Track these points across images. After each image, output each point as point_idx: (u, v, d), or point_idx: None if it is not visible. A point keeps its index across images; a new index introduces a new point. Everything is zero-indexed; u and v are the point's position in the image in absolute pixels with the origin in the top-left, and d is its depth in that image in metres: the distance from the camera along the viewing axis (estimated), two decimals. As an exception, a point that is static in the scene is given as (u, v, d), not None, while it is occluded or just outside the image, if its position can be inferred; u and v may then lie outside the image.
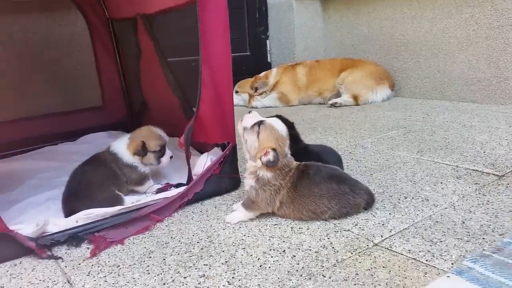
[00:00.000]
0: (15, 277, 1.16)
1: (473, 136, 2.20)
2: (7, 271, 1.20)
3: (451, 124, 2.48)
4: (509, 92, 2.86)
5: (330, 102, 3.42)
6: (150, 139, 1.68)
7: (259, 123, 1.39)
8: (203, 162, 1.64)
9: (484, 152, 1.92)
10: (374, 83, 3.41)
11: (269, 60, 4.36)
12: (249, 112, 1.45)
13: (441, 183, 1.60)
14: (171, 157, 1.76)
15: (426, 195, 1.50)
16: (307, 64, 3.74)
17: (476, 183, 1.58)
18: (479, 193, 1.49)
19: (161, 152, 1.71)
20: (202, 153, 1.75)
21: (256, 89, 3.70)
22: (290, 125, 1.82)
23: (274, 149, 1.34)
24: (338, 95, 3.50)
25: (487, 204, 1.39)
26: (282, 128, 1.41)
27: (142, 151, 1.66)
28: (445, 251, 1.12)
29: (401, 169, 1.79)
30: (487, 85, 2.98)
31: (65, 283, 1.11)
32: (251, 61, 4.24)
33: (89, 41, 2.69)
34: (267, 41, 4.33)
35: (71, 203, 1.46)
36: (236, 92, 3.80)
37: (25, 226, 1.31)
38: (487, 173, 1.67)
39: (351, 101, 3.37)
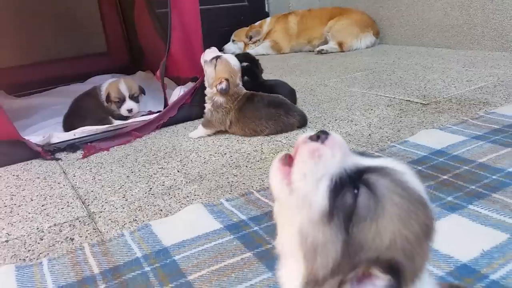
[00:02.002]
0: (26, 170, 1.59)
1: (425, 75, 2.48)
2: (21, 167, 1.63)
3: (413, 66, 2.76)
4: (477, 37, 3.09)
5: (317, 49, 3.70)
6: (113, 91, 2.03)
7: (217, 57, 1.74)
8: (177, 93, 2.01)
9: (424, 87, 2.22)
10: (359, 30, 3.66)
11: (266, 9, 4.60)
12: (209, 48, 1.80)
13: (372, 110, 1.93)
14: (130, 110, 2.04)
15: (353, 118, 1.84)
16: (299, 13, 4.00)
17: (401, 110, 1.90)
18: (398, 116, 1.81)
19: (119, 103, 2.03)
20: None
21: (251, 37, 4.00)
22: (255, 63, 2.16)
23: (227, 79, 1.69)
24: (326, 42, 3.77)
25: (397, 123, 1.72)
26: (235, 62, 1.76)
27: (107, 98, 2.04)
28: (343, 153, 1.48)
29: (345, 100, 2.12)
30: (459, 31, 3.20)
31: (62, 173, 1.53)
32: (249, 11, 4.48)
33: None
34: (265, -10, 4.56)
35: (70, 121, 1.88)
36: (233, 41, 4.12)
37: (34, 137, 1.73)
38: (415, 102, 1.99)
39: (336, 48, 3.65)
